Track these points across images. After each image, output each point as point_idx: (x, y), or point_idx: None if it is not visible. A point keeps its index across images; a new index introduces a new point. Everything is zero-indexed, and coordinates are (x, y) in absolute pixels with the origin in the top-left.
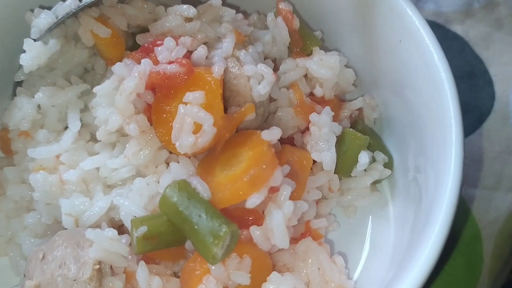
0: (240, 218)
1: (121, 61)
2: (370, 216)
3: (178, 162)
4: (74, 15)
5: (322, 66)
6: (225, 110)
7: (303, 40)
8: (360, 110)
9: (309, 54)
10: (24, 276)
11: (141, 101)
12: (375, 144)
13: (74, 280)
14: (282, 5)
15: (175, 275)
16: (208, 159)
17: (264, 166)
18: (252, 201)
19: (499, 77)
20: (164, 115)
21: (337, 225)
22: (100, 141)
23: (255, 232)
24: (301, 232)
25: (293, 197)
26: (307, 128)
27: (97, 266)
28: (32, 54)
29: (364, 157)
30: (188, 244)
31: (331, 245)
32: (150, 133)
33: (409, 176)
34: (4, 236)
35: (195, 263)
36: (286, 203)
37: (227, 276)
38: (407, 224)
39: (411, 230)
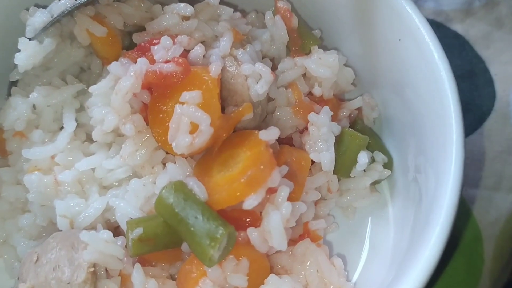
0: (238, 219)
1: (117, 60)
2: (370, 217)
3: (175, 163)
4: (70, 13)
5: (321, 65)
6: (223, 109)
7: (302, 39)
8: (359, 109)
9: (307, 53)
10: (18, 278)
11: (137, 100)
12: (375, 144)
13: (68, 283)
14: (280, 4)
15: (172, 277)
16: (205, 159)
17: (261, 167)
18: (250, 202)
19: (500, 76)
20: (161, 115)
21: (336, 226)
22: (95, 141)
23: (252, 233)
24: (300, 233)
25: (291, 198)
26: (306, 128)
27: (92, 269)
28: (27, 53)
29: (363, 157)
30: (185, 246)
31: (330, 246)
32: (147, 133)
33: (409, 176)
34: None
35: (192, 265)
36: (284, 204)
37: (224, 278)
38: (407, 225)
39: (411, 231)
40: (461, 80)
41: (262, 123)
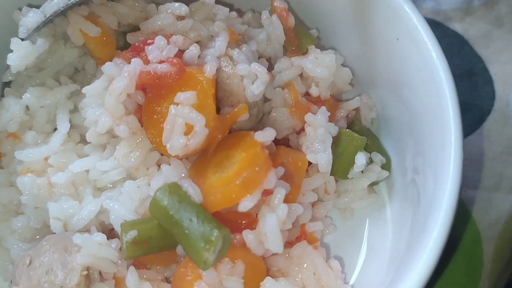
0: (233, 221)
1: (111, 61)
2: (368, 219)
3: (170, 164)
4: (63, 13)
5: (318, 65)
6: (218, 110)
7: (299, 39)
8: (357, 110)
9: (304, 52)
10: (11, 282)
11: (131, 101)
12: (373, 145)
13: (61, 286)
14: (277, 3)
15: (167, 280)
16: (200, 161)
17: (257, 168)
18: (245, 205)
19: (499, 76)
20: (155, 116)
21: (334, 228)
22: (90, 142)
23: (248, 236)
24: (296, 235)
25: (288, 199)
26: (303, 129)
27: (85, 272)
28: (20, 54)
29: (361, 158)
30: (180, 249)
31: (327, 248)
32: (141, 135)
33: (407, 177)
34: None
35: (187, 268)
36: (280, 206)
37: (219, 281)
38: (405, 226)
39: (409, 233)
40: (460, 80)
41: (259, 123)
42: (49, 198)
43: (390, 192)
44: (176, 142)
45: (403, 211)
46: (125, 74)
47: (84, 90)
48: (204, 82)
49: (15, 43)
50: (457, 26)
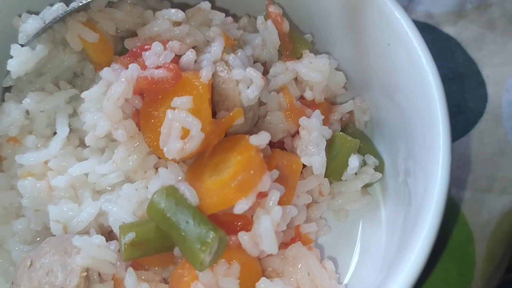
0: (229, 223)
1: (109, 66)
2: (361, 220)
3: (167, 168)
4: (62, 20)
5: (312, 69)
6: (214, 114)
7: (293, 43)
8: (350, 113)
9: (299, 57)
10: (12, 283)
11: (129, 106)
12: (366, 147)
13: (61, 287)
14: (272, 8)
15: (165, 281)
16: (196, 164)
17: (252, 171)
18: (240, 207)
19: (492, 79)
20: (152, 120)
21: (328, 229)
22: (88, 146)
23: (243, 237)
24: (291, 236)
25: (282, 201)
26: (297, 132)
27: (85, 274)
28: (20, 60)
29: (354, 161)
30: (177, 250)
31: (322, 249)
32: (139, 139)
33: (399, 179)
34: None
35: (184, 269)
36: (274, 208)
37: (215, 282)
38: (397, 227)
39: (400, 234)
40: (453, 83)
41: (254, 127)
42: (49, 201)
43: (384, 193)
44: (173, 146)
45: (396, 212)
46: (123, 80)
47: (82, 95)
48: (200, 87)
49: (15, 49)
50: (450, 30)
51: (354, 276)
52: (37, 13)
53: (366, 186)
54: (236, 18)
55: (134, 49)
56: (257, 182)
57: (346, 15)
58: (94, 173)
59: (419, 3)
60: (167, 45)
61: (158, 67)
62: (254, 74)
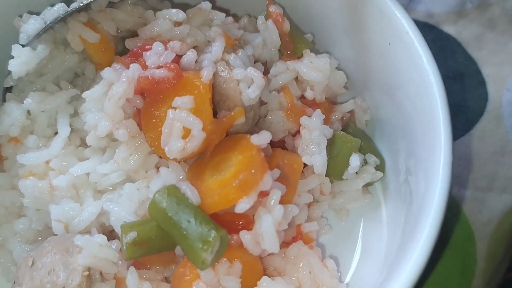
0: (230, 222)
1: (110, 66)
2: (362, 219)
3: (168, 167)
4: (63, 20)
5: (313, 68)
6: (215, 114)
7: (294, 43)
8: (351, 112)
9: (299, 56)
10: (14, 282)
11: (130, 106)
12: (367, 146)
13: (63, 287)
14: (272, 8)
15: (166, 280)
16: (198, 163)
17: (253, 171)
18: (242, 206)
19: (492, 78)
20: (154, 120)
21: (329, 228)
22: (90, 146)
23: (245, 236)
24: (292, 235)
25: (283, 201)
26: (298, 132)
27: (86, 273)
28: (21, 60)
29: (355, 160)
30: (178, 249)
31: (323, 248)
32: (140, 138)
33: (400, 178)
34: None
35: (185, 268)
36: (276, 208)
37: (217, 281)
38: (399, 226)
39: (402, 233)
40: (453, 82)
41: (255, 127)
42: (51, 200)
43: (384, 192)
44: (174, 145)
45: (397, 211)
46: (124, 80)
47: (84, 95)
48: (201, 86)
49: (16, 49)
50: (450, 29)
51: (355, 275)
52: (38, 14)
53: (367, 185)
54: (236, 18)
55: (135, 49)
56: (259, 181)
57: (346, 14)
58: (96, 173)
59: (419, 3)
60: (168, 45)
61: (159, 67)
62: (255, 73)
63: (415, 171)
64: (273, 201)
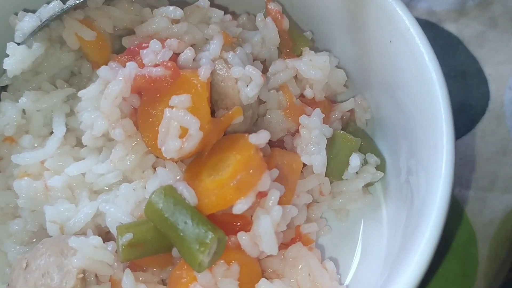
0: (228, 224)
1: (107, 64)
2: (362, 220)
3: (165, 167)
4: (59, 18)
5: (312, 66)
6: (213, 113)
7: (293, 41)
8: (351, 111)
9: (299, 54)
10: (8, 285)
11: (127, 105)
12: (367, 146)
13: None
14: (271, 6)
15: (163, 282)
16: (195, 163)
17: (251, 171)
18: (239, 207)
19: (494, 76)
20: (150, 119)
21: (329, 229)
22: (86, 146)
23: (243, 238)
24: (291, 237)
25: (282, 201)
26: (297, 131)
27: (81, 275)
28: (16, 58)
29: (355, 160)
30: (175, 251)
31: (322, 250)
32: (137, 138)
33: (401, 178)
34: None
35: (182, 270)
36: (274, 208)
37: (214, 283)
38: (400, 227)
39: (403, 234)
40: (454, 81)
41: (253, 126)
42: (46, 201)
43: (385, 193)
44: (171, 145)
45: (398, 212)
46: (120, 78)
47: (79, 93)
48: (199, 85)
49: (11, 47)
50: (452, 27)
51: (355, 277)
52: (33, 11)
53: (368, 185)
54: (235, 16)
55: (131, 47)
56: (257, 182)
57: (346, 12)
58: (91, 173)
59: (420, 0)
60: (165, 43)
61: (156, 65)
62: (253, 72)
63: (416, 171)
64: (271, 201)
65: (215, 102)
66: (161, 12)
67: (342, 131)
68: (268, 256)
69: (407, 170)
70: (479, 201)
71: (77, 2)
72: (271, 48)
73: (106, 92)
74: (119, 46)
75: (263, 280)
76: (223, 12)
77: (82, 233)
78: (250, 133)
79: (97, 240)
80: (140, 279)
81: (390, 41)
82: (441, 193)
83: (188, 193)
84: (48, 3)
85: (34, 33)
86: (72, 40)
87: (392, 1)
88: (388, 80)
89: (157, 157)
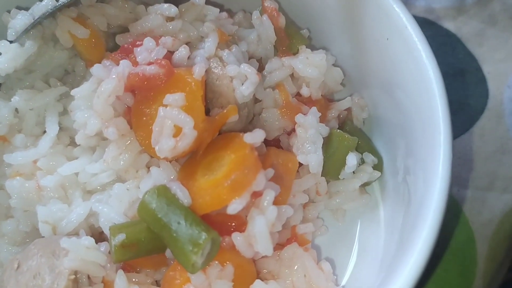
0: (222, 224)
1: (101, 63)
2: (359, 220)
3: (159, 167)
4: (52, 15)
5: (308, 64)
6: (208, 112)
7: (289, 39)
8: (348, 110)
9: (295, 52)
10: None
11: (121, 103)
12: (364, 145)
13: None
14: (267, 3)
15: (157, 283)
16: (189, 163)
17: (246, 170)
18: (234, 207)
19: (493, 75)
20: (144, 118)
21: (325, 230)
22: (79, 145)
23: (237, 238)
24: (287, 237)
25: (278, 201)
26: (294, 130)
27: (73, 276)
28: (8, 57)
29: (352, 159)
30: (169, 252)
31: (319, 250)
32: (130, 137)
33: (398, 177)
34: None
35: (175, 271)
36: (269, 208)
37: (208, 285)
38: (397, 227)
39: (400, 234)
40: (453, 79)
41: (249, 125)
42: (38, 201)
43: (382, 192)
44: (165, 144)
45: (395, 212)
46: (114, 76)
47: (72, 92)
48: (193, 83)
49: (3, 45)
50: (450, 25)
51: (352, 278)
52: (26, 9)
53: (365, 185)
54: (231, 14)
55: (125, 45)
56: (251, 181)
57: (343, 9)
58: (85, 173)
59: None
60: (159, 41)
61: (150, 63)
62: (248, 70)
63: (413, 171)
64: (266, 201)
65: (210, 100)
66: (155, 10)
67: (338, 130)
68: (263, 256)
69: (404, 169)
70: (477, 201)
71: None
72: (267, 46)
73: (99, 91)
74: (113, 44)
75: (258, 281)
76: (218, 9)
77: (75, 233)
78: (246, 132)
79: (89, 240)
80: (134, 280)
81: (387, 38)
82: (438, 193)
83: (181, 193)
84: (41, 0)
85: (26, 31)
86: (65, 38)
87: None
88: (386, 79)
89: (151, 157)
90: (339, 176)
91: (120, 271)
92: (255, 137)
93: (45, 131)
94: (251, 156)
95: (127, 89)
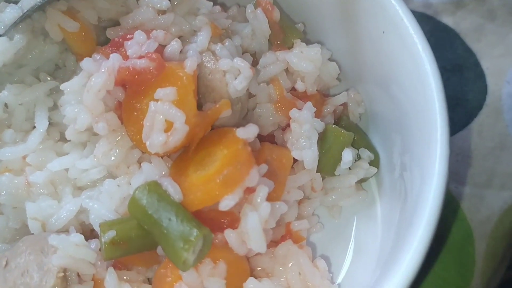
0: (214, 220)
1: (91, 57)
2: (356, 217)
3: (151, 162)
4: (41, 8)
5: (303, 58)
6: (201, 106)
7: (284, 33)
8: (344, 105)
9: (290, 47)
10: None
11: (111, 98)
12: (360, 140)
13: None
14: None
15: (149, 281)
16: (181, 158)
17: (239, 166)
18: (226, 203)
19: (491, 70)
20: (135, 113)
21: (321, 227)
22: (69, 141)
23: (230, 235)
24: (281, 234)
25: (272, 197)
26: (288, 125)
27: (61, 274)
28: None
29: (347, 155)
30: (160, 249)
31: (314, 248)
32: (121, 132)
33: (395, 174)
34: None
35: (167, 269)
36: (262, 205)
37: (200, 282)
38: (393, 224)
39: (396, 231)
40: (451, 74)
41: (243, 120)
42: (28, 197)
43: (379, 189)
44: (156, 139)
45: (391, 209)
46: (103, 70)
47: (62, 86)
48: (185, 77)
49: None
50: (448, 20)
51: (347, 276)
52: (15, 2)
53: (361, 181)
54: (225, 8)
55: (116, 39)
56: (244, 177)
57: (338, 3)
58: (75, 169)
59: None
60: (151, 34)
61: (140, 57)
62: (242, 64)
63: (410, 167)
64: (259, 198)
65: (202, 95)
66: (147, 3)
67: (334, 125)
68: (257, 254)
69: (401, 165)
70: (476, 198)
71: None
72: (262, 40)
73: (88, 85)
74: (104, 38)
75: (251, 279)
76: (211, 3)
77: (65, 230)
78: (239, 127)
79: (79, 237)
80: (124, 278)
81: (383, 32)
82: (435, 189)
83: (173, 189)
84: None
85: (15, 25)
86: (55, 32)
87: None
88: (382, 73)
89: (143, 152)
90: (335, 172)
91: (111, 269)
92: (248, 132)
93: (34, 127)
94: (244, 152)
95: (118, 83)
